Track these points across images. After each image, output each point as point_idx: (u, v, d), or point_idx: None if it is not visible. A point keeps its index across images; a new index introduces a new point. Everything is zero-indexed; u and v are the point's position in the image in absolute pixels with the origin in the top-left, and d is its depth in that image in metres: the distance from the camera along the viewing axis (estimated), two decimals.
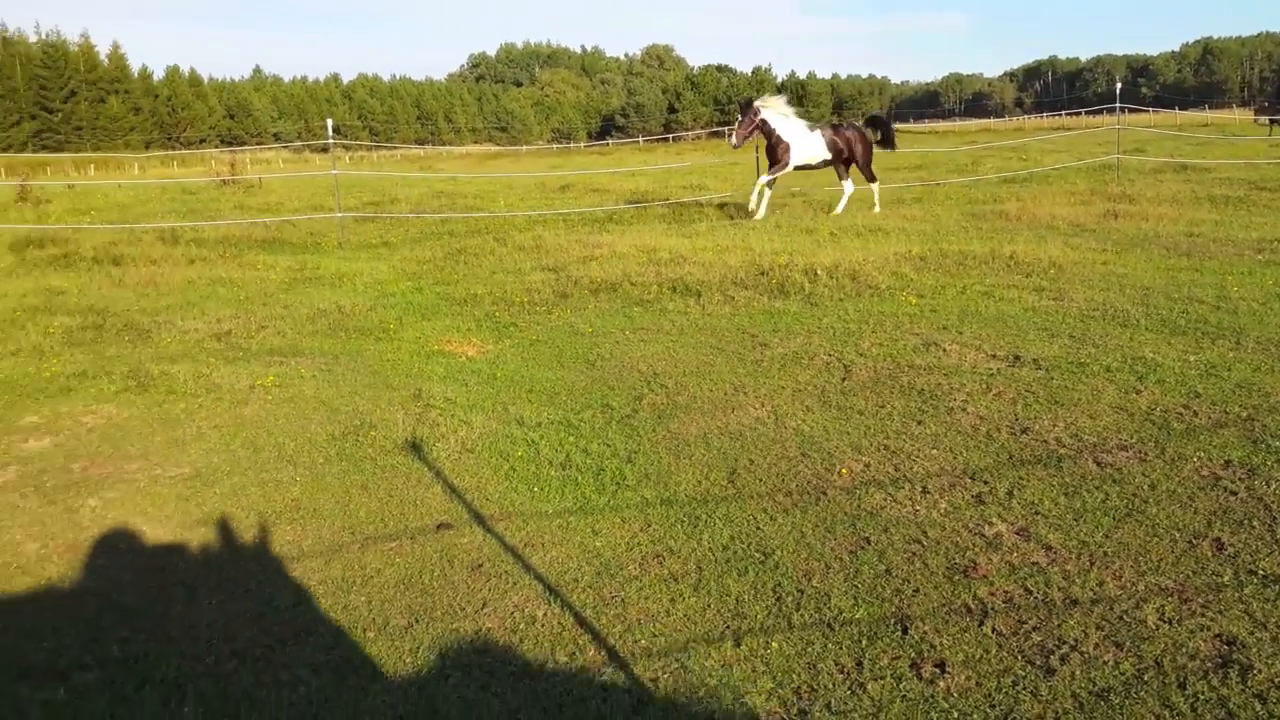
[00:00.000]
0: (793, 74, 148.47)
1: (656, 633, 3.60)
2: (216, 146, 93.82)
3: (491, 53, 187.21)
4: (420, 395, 6.85)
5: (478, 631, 3.64)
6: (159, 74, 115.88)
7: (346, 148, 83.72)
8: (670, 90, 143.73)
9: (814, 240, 13.24)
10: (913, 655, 3.36)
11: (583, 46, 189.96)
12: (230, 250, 15.03)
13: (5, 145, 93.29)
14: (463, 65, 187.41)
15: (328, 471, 5.43)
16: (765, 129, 16.51)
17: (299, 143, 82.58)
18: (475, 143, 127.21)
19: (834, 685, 3.21)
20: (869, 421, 5.78)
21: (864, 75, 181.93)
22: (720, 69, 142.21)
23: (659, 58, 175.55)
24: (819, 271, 10.08)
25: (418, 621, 3.73)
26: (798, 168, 16.83)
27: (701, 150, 58.74)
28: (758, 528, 4.43)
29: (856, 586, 3.84)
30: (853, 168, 17.39)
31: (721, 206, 18.88)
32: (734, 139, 16.67)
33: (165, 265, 13.22)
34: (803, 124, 16.95)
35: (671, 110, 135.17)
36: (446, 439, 5.92)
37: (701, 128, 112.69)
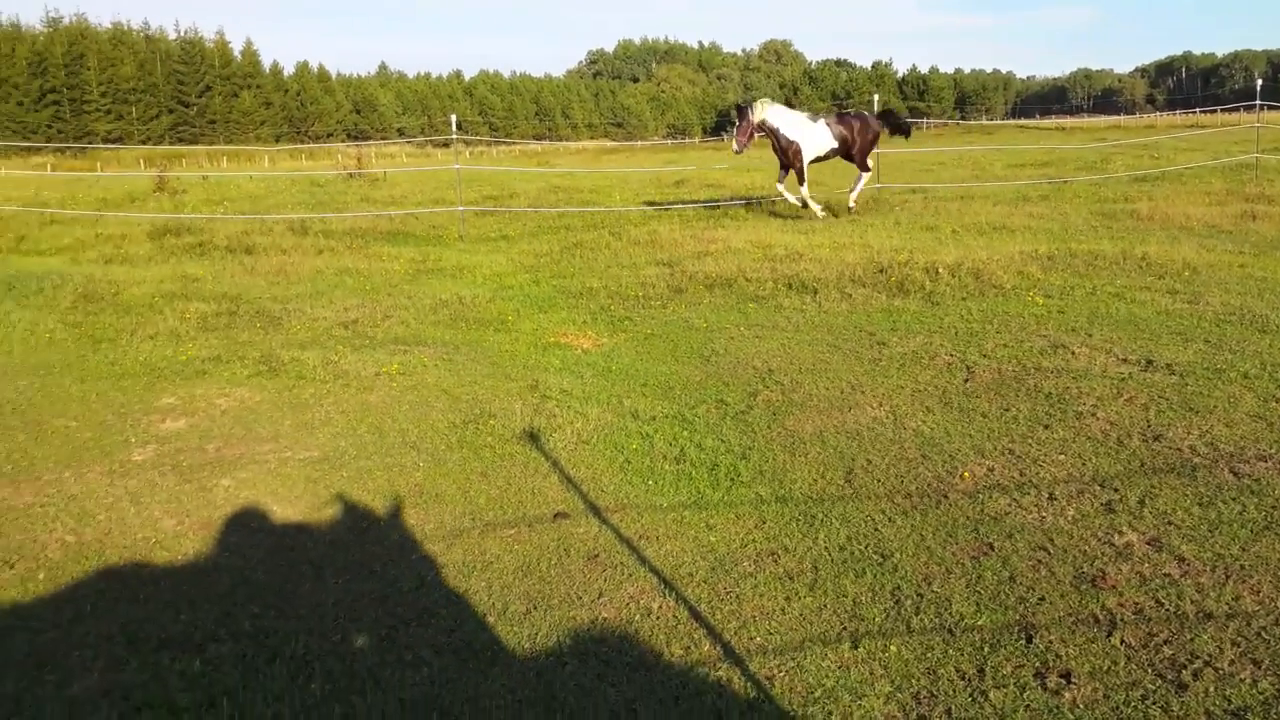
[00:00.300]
0: (914, 69, 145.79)
1: (772, 630, 3.58)
2: (343, 141, 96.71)
3: (610, 49, 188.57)
4: (537, 386, 6.94)
5: (594, 621, 3.67)
6: (289, 70, 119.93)
7: (467, 143, 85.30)
8: (787, 85, 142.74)
9: (935, 237, 12.98)
10: (1037, 665, 3.26)
11: (700, 43, 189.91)
12: (356, 241, 15.46)
13: (145, 138, 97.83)
14: (581, 62, 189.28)
15: (449, 458, 5.54)
16: (767, 129, 16.32)
17: (421, 138, 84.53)
18: (591, 138, 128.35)
19: (955, 692, 3.14)
20: (993, 424, 5.64)
21: (988, 70, 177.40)
22: (839, 63, 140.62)
23: (776, 53, 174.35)
24: (940, 270, 9.87)
25: (535, 608, 3.78)
26: (811, 162, 16.60)
27: None
28: (876, 529, 4.37)
29: (979, 593, 3.75)
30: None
31: (796, 205, 18.65)
32: (735, 145, 16.33)
33: (295, 255, 13.67)
34: (804, 118, 16.73)
35: (789, 105, 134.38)
36: (563, 430, 5.99)
37: None
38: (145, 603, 3.85)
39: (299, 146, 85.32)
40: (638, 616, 3.69)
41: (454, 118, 18.24)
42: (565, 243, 14.54)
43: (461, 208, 17.24)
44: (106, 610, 3.78)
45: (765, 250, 12.37)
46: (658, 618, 3.69)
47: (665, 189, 25.03)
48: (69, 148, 76.26)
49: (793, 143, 16.22)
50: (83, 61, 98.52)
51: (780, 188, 16.67)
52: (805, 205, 16.36)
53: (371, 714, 3.08)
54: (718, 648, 3.47)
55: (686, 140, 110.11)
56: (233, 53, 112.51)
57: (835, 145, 16.64)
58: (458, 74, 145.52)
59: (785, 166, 16.53)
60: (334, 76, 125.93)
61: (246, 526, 4.65)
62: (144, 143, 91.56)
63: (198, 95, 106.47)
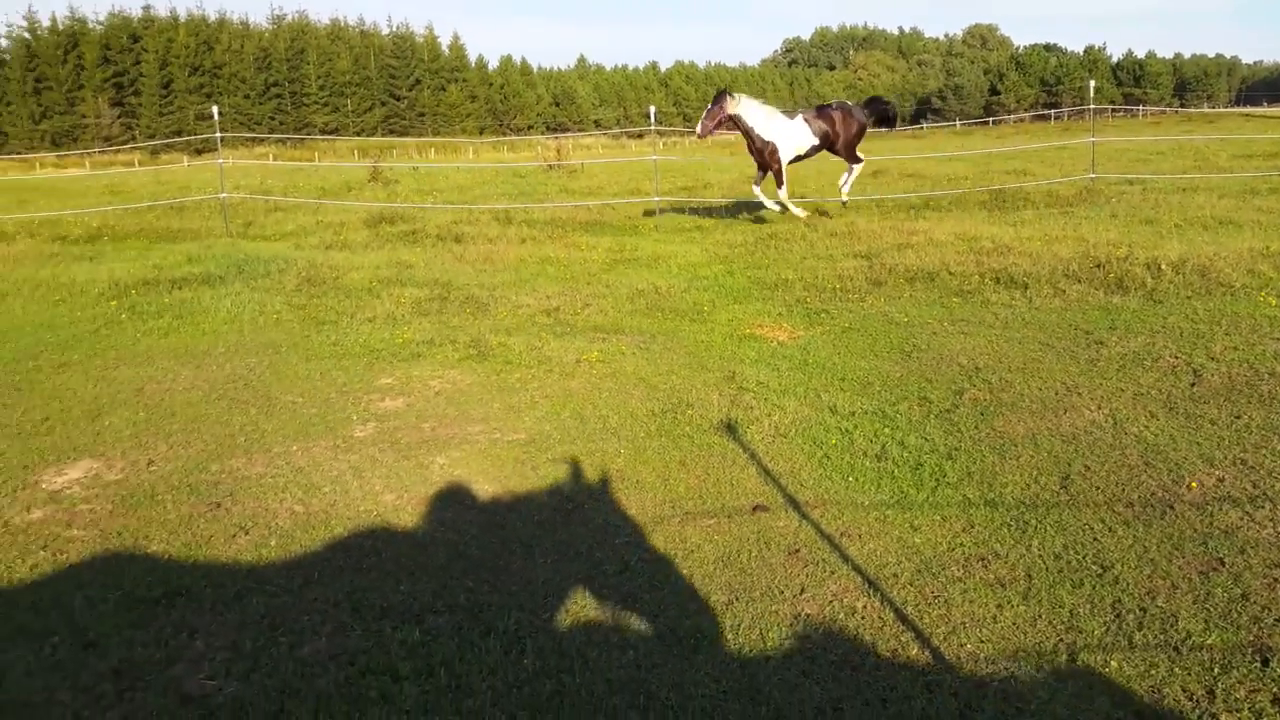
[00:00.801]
0: (1129, 54, 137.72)
1: (983, 639, 3.47)
2: (542, 132, 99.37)
3: (806, 37, 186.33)
4: (734, 377, 6.94)
5: (796, 616, 3.65)
6: (493, 63, 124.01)
7: (660, 133, 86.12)
8: (992, 71, 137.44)
9: (1155, 231, 12.23)
10: (1274, 690, 3.04)
11: (900, 28, 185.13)
12: (556, 231, 15.85)
13: (359, 129, 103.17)
14: (776, 50, 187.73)
15: (648, 446, 5.62)
16: (741, 126, 15.54)
17: (617, 129, 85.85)
18: None
19: (1181, 713, 2.97)
20: (1222, 432, 5.28)
21: (1210, 55, 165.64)
22: (1048, 48, 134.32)
23: (981, 37, 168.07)
24: (1163, 266, 9.30)
25: (737, 599, 3.79)
26: (791, 161, 15.78)
27: (1025, 134, 55.72)
28: (1095, 538, 4.16)
29: (1208, 610, 3.52)
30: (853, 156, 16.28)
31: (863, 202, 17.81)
32: (699, 128, 15.51)
33: (500, 244, 14.15)
34: (781, 115, 15.75)
35: (993, 92, 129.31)
36: (760, 422, 5.97)
37: (1025, 110, 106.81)
38: (368, 572, 4.08)
39: (501, 139, 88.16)
40: (842, 615, 3.65)
41: (652, 110, 18.45)
42: (759, 234, 14.48)
43: (658, 198, 17.41)
44: (332, 578, 4.02)
45: (970, 243, 11.96)
46: (862, 617, 3.63)
47: (862, 179, 24.54)
48: (289, 139, 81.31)
49: (769, 143, 15.44)
50: (303, 56, 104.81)
51: (756, 190, 15.92)
52: (785, 210, 15.69)
53: (581, 692, 3.16)
54: (926, 652, 3.39)
55: (883, 129, 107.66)
56: (441, 47, 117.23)
57: (816, 142, 15.83)
58: (653, 65, 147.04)
59: (762, 168, 15.77)
60: (535, 70, 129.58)
61: (460, 503, 4.85)
62: (358, 134, 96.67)
63: (408, 89, 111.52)
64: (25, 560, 4.25)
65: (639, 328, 8.66)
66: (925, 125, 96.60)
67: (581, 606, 3.76)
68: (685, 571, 4.05)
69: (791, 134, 15.61)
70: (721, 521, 4.56)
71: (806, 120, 15.82)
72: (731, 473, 5.19)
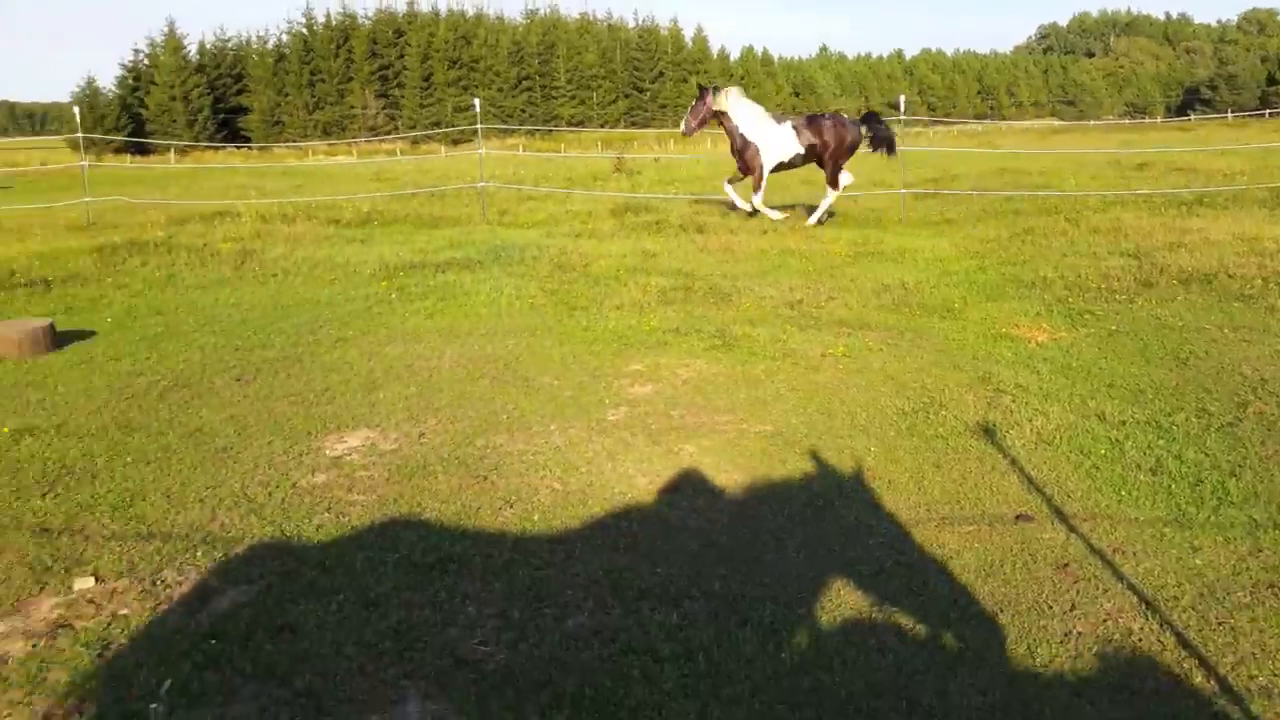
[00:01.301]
0: None
1: (1276, 672, 3.20)
2: None
3: (1063, 23, 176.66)
4: (989, 379, 6.69)
5: (1066, 633, 3.48)
6: (734, 55, 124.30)
7: (904, 124, 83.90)
8: (1271, 59, 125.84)
9: None
10: None
11: (1166, 13, 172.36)
12: (797, 222, 15.74)
13: (603, 121, 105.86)
14: (1031, 36, 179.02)
15: (900, 445, 5.49)
16: (726, 126, 14.88)
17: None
18: (1037, 117, 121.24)
19: None
20: None
21: None
22: None
23: (1259, 23, 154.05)
24: None
25: (1002, 612, 3.65)
26: (773, 170, 14.92)
27: None
28: None
29: None
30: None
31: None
32: (683, 125, 15.15)
33: (741, 235, 14.18)
34: (769, 117, 15.00)
35: (1270, 82, 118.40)
36: (1020, 427, 5.72)
37: None
38: (624, 552, 4.19)
39: None
40: (1117, 636, 3.45)
41: (902, 98, 17.97)
42: (1014, 228, 13.86)
43: (903, 190, 16.97)
44: (591, 555, 4.15)
45: (1251, 243, 11.03)
46: (1139, 640, 3.42)
47: (1126, 173, 23.06)
48: (538, 130, 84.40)
49: (750, 144, 14.74)
50: (553, 50, 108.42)
51: (727, 187, 15.32)
52: (755, 212, 15.05)
53: (840, 691, 3.14)
54: (1211, 682, 3.16)
55: (1146, 119, 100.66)
56: (685, 40, 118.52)
57: (802, 151, 14.92)
58: (898, 53, 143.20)
59: (743, 170, 15.05)
60: (775, 60, 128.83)
61: (709, 491, 4.90)
62: (601, 126, 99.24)
63: (651, 81, 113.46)
64: (311, 520, 4.61)
65: (885, 323, 8.48)
66: (1193, 116, 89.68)
67: (837, 605, 3.72)
68: (945, 578, 3.93)
69: (777, 140, 14.95)
70: (981, 529, 4.41)
71: (795, 128, 15.08)
72: (991, 478, 5.00)
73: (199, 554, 4.23)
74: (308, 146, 65.55)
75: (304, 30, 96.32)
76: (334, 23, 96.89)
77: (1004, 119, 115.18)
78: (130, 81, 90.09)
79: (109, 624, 3.61)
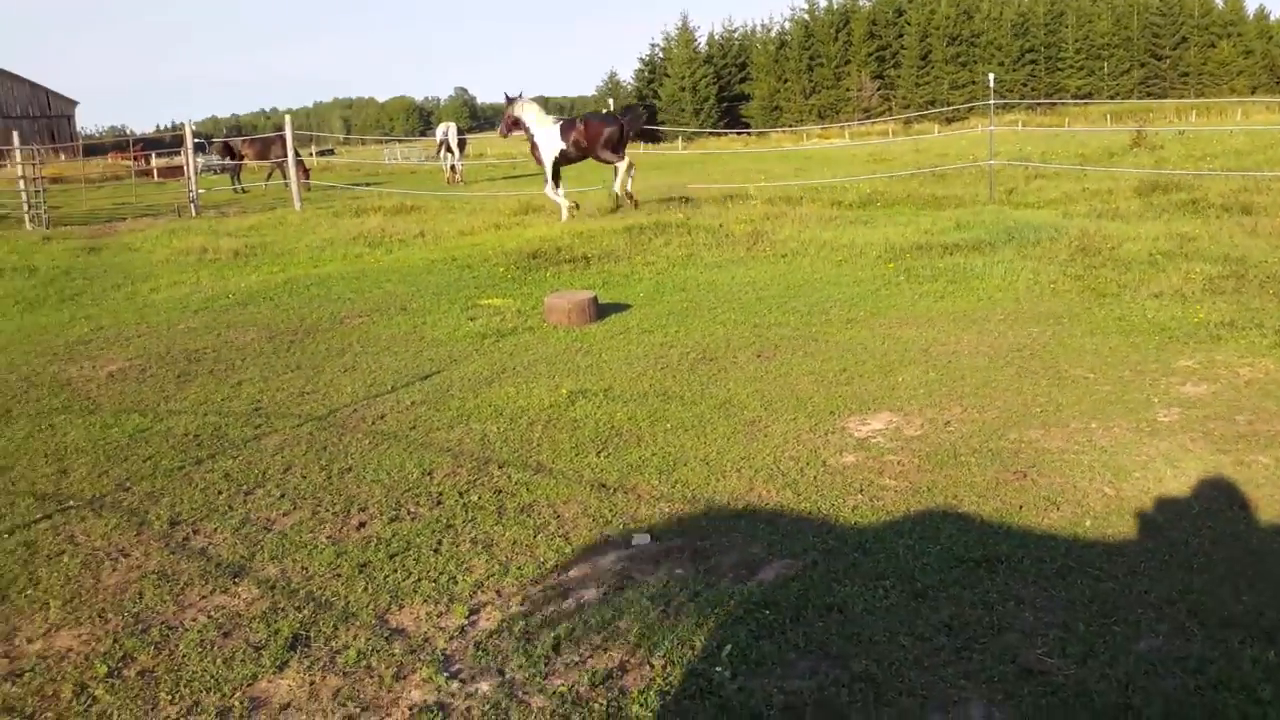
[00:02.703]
0: None
1: None
2: None
3: None
4: None
5: None
6: (1277, 14, 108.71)
7: None
8: None
9: None
10: None
11: None
12: None
13: (1113, 93, 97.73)
14: None
15: None
16: (524, 129, 17.79)
17: None
18: None
19: None
20: None
21: None
22: None
23: None
24: None
25: None
26: (557, 162, 17.36)
27: None
28: None
29: None
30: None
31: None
32: (500, 129, 18.89)
33: None
34: (549, 121, 17.66)
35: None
36: None
37: None
38: (1199, 573, 3.70)
39: (1272, 99, 77.15)
40: None
41: None
42: None
43: None
44: (1159, 573, 3.72)
45: None
46: None
47: None
48: (1038, 104, 79.73)
49: (535, 145, 17.77)
50: (1061, 20, 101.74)
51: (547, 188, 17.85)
52: (555, 197, 17.45)
53: None
54: None
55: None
56: (1214, 1, 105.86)
57: (566, 147, 17.37)
58: None
59: (538, 163, 17.97)
60: None
61: None
62: (1111, 98, 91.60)
63: (1172, 48, 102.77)
64: (845, 500, 4.60)
65: None
66: None
67: None
68: None
69: (550, 139, 17.47)
70: None
71: (561, 129, 17.50)
72: None
73: (742, 522, 4.38)
74: (802, 131, 67.30)
75: (805, 16, 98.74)
76: (835, 7, 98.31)
77: None
78: (646, 74, 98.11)
79: (667, 581, 3.82)
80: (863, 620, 3.44)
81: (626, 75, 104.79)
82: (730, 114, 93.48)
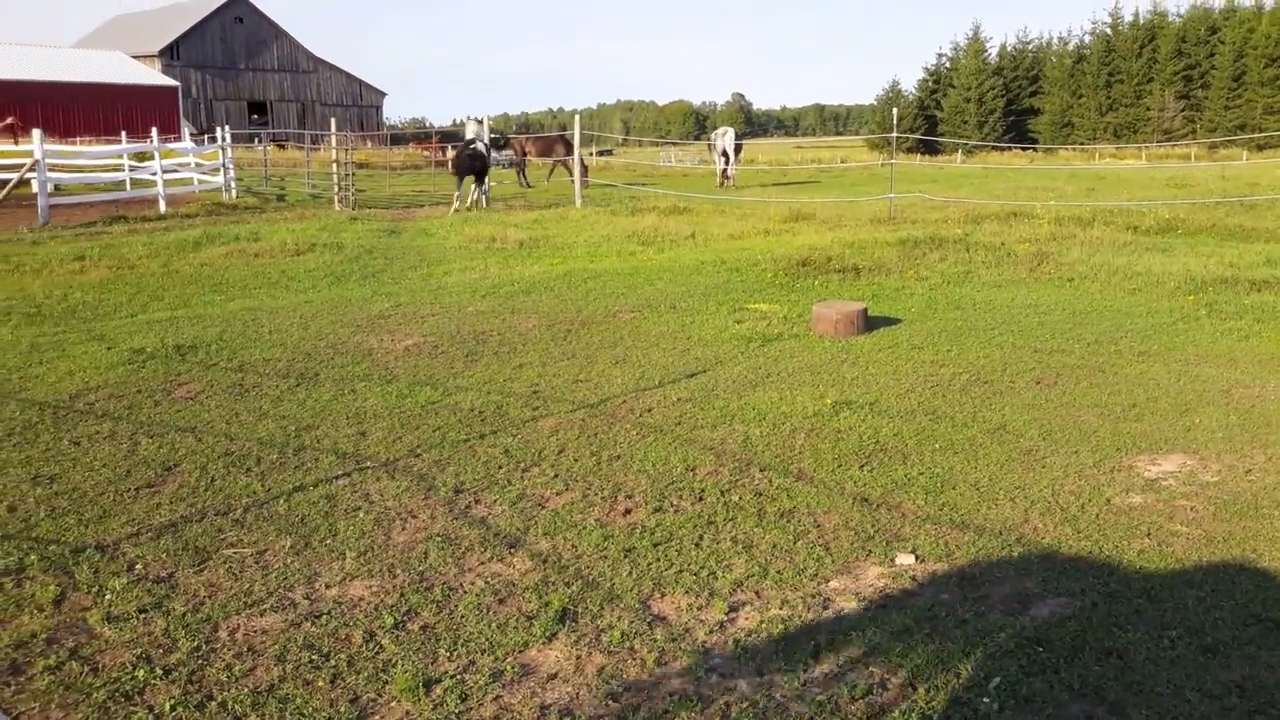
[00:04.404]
0: None
1: None
2: None
3: None
4: None
5: None
6: None
7: None
8: None
9: None
10: None
11: None
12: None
13: None
14: None
15: None
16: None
17: None
18: None
19: None
20: None
21: None
22: None
23: None
24: None
25: None
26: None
27: None
28: None
29: None
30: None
31: None
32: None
33: None
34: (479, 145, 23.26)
35: None
36: None
37: None
38: None
39: None
40: None
41: None
42: None
43: None
44: None
45: None
46: None
47: None
48: None
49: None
50: None
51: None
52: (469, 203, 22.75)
53: None
54: None
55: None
56: None
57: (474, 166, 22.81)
58: None
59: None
60: None
61: None
62: None
63: None
64: (1131, 543, 4.31)
65: None
66: None
67: None
68: None
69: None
70: None
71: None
72: None
73: (1014, 553, 4.20)
74: (1094, 149, 63.50)
75: (1107, 30, 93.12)
76: (1140, 21, 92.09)
77: None
78: (930, 84, 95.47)
79: (932, 605, 3.72)
80: (1145, 669, 3.22)
81: (909, 85, 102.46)
82: (1016, 128, 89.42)
